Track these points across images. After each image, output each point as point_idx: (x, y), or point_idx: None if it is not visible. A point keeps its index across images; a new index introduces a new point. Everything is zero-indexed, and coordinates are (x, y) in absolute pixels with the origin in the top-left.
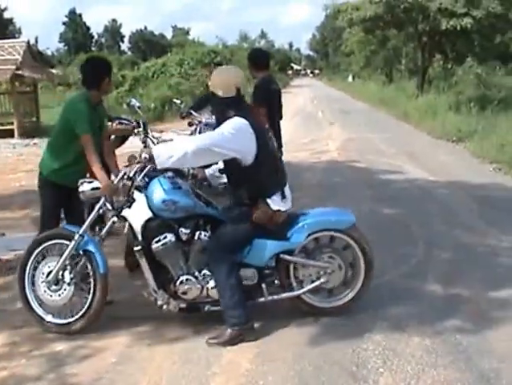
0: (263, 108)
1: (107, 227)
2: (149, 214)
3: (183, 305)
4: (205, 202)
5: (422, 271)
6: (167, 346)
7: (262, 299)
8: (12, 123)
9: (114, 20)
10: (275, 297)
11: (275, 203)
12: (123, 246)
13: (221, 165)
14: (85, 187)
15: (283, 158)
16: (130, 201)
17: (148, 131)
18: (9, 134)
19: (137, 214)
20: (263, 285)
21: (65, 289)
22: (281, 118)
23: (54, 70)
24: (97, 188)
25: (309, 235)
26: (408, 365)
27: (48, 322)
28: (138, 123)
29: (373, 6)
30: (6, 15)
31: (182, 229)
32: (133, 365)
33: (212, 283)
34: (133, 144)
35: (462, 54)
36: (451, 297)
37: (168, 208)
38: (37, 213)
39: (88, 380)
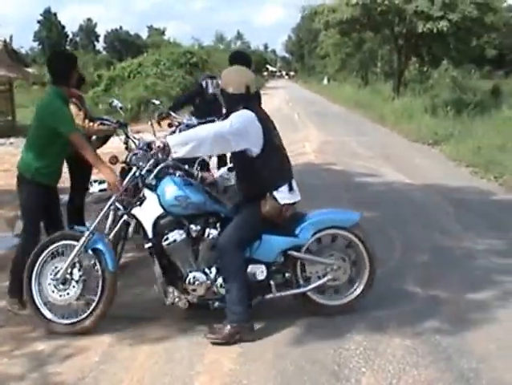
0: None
1: (116, 227)
2: (160, 211)
3: (192, 302)
4: (215, 200)
5: (401, 273)
6: (149, 345)
7: (270, 296)
8: None
9: (89, 19)
10: (283, 293)
11: (283, 195)
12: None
13: (227, 165)
14: (95, 188)
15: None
16: (140, 199)
17: (130, 131)
18: None
19: (148, 212)
20: (271, 282)
21: (73, 287)
22: None
23: (30, 70)
24: (105, 189)
25: (316, 232)
26: (389, 365)
27: (55, 322)
28: (120, 123)
29: (350, 8)
30: None
31: (192, 226)
32: (116, 364)
33: (221, 280)
34: (114, 145)
35: (438, 57)
36: (430, 299)
37: (180, 204)
38: (12, 213)
39: (72, 379)
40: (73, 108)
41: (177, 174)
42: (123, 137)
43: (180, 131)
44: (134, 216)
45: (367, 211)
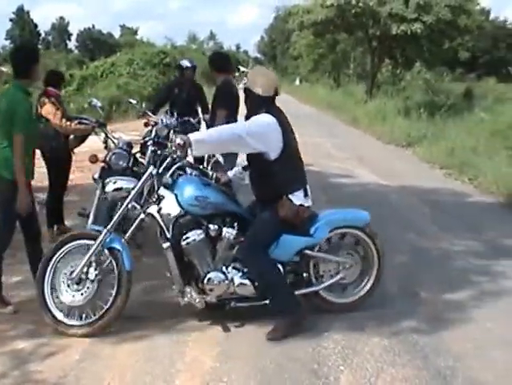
0: (224, 111)
1: (134, 226)
2: (179, 210)
3: (210, 302)
4: (232, 200)
5: None
6: (130, 344)
7: None
8: None
9: (61, 18)
10: (296, 292)
11: (298, 199)
12: None
13: (241, 163)
14: (109, 187)
15: (239, 160)
16: (158, 199)
17: (108, 131)
18: None
19: (166, 211)
20: (287, 281)
21: (88, 288)
22: (236, 120)
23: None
24: (120, 189)
25: (330, 232)
26: (367, 363)
27: (66, 323)
28: (99, 122)
29: (325, 9)
30: None
31: (210, 226)
32: (97, 362)
33: (238, 280)
34: (89, 144)
35: (411, 59)
36: (408, 299)
37: (199, 204)
38: None
39: (53, 377)
40: (50, 107)
41: (193, 173)
42: (102, 136)
43: (156, 130)
44: (151, 216)
45: None
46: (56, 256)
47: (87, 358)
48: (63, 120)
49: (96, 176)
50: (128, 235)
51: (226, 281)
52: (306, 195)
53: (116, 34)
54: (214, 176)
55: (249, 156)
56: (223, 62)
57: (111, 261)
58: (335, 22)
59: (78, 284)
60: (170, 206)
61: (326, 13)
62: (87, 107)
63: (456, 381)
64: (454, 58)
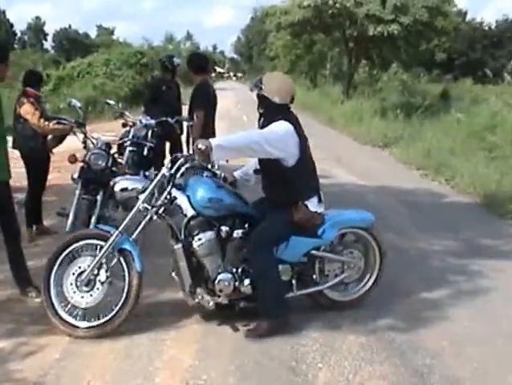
0: (202, 111)
1: (140, 226)
2: (192, 212)
3: (220, 303)
4: (243, 201)
5: None
6: (109, 342)
7: (292, 294)
8: None
9: (38, 18)
10: (303, 292)
11: (313, 205)
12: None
13: (251, 166)
14: (117, 187)
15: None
16: (170, 200)
17: (87, 131)
18: None
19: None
20: (293, 281)
21: (98, 289)
22: (213, 121)
23: None
24: (127, 189)
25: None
26: (345, 361)
27: (76, 325)
28: (78, 123)
29: (302, 10)
30: None
31: (222, 227)
32: (77, 361)
33: (247, 280)
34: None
35: (388, 60)
36: (385, 298)
37: (212, 206)
38: None
39: (34, 376)
40: (29, 107)
41: (205, 174)
42: (81, 137)
43: (134, 131)
44: (163, 217)
45: None
46: (62, 256)
47: (67, 357)
48: (41, 120)
49: (75, 176)
50: (135, 235)
51: (236, 282)
52: (320, 201)
53: (93, 34)
54: (223, 175)
55: (264, 161)
56: (201, 62)
57: (120, 262)
58: (312, 23)
59: (87, 285)
60: (183, 207)
61: (303, 13)
62: (63, 107)
63: (433, 378)
64: (431, 59)
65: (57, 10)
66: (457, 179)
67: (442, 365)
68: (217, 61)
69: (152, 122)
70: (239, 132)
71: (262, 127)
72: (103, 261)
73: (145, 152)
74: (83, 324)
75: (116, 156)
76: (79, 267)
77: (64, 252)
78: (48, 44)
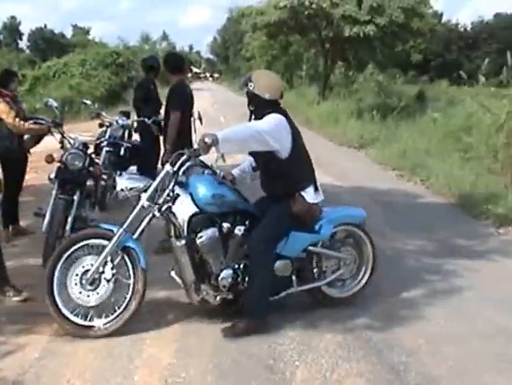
0: (178, 111)
1: (143, 224)
2: (195, 209)
3: (223, 299)
4: (243, 198)
5: None
6: (89, 341)
7: (292, 290)
8: None
9: (13, 17)
10: (303, 287)
11: (310, 196)
12: (37, 245)
13: (247, 164)
14: (119, 185)
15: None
16: (173, 197)
17: (64, 131)
18: None
19: (182, 209)
20: (293, 277)
21: (104, 286)
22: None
23: None
24: (126, 188)
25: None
26: (322, 359)
27: (81, 324)
28: (55, 123)
29: (278, 11)
30: None
31: (224, 224)
32: (56, 359)
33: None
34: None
35: (364, 61)
36: (362, 298)
37: (215, 202)
38: None
39: (13, 375)
40: (4, 106)
41: (206, 172)
42: (58, 136)
43: (110, 131)
44: (166, 214)
45: None
46: (64, 257)
47: (47, 356)
48: (17, 120)
49: (52, 176)
50: (137, 233)
51: (239, 278)
52: (316, 190)
53: (68, 34)
54: (222, 174)
55: (259, 156)
56: (177, 63)
57: (125, 259)
58: (288, 24)
59: (91, 284)
60: (186, 205)
61: (279, 14)
62: (39, 107)
63: (409, 375)
64: (407, 60)
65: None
66: (432, 179)
67: (418, 363)
68: (194, 61)
69: (127, 122)
70: (239, 125)
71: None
72: (109, 259)
73: (122, 152)
74: (91, 323)
75: (93, 156)
76: (83, 267)
77: (66, 252)
78: (23, 44)
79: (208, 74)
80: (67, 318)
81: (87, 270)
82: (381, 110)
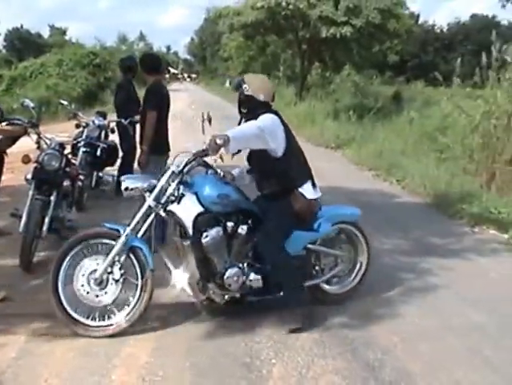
0: (155, 112)
1: (147, 223)
2: (200, 209)
3: (230, 297)
4: (246, 197)
5: None
6: (66, 341)
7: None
8: None
9: None
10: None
11: (308, 192)
12: (14, 246)
13: (243, 167)
14: (124, 185)
15: (169, 161)
16: (178, 196)
17: (41, 131)
18: None
19: (188, 209)
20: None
21: (111, 285)
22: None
23: None
24: (131, 188)
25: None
26: (298, 356)
27: (89, 325)
28: (31, 123)
29: (255, 11)
30: None
31: (228, 223)
32: (34, 359)
33: (252, 274)
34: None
35: (341, 62)
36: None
37: (221, 202)
38: None
39: None
40: None
41: (209, 172)
42: (35, 137)
43: (87, 131)
44: (172, 214)
45: None
46: (69, 256)
47: (24, 356)
48: None
49: (29, 176)
50: (141, 232)
51: (244, 276)
52: (314, 186)
53: (45, 34)
54: (222, 174)
55: (253, 157)
56: (154, 63)
57: (131, 259)
58: (266, 25)
59: (99, 284)
60: (191, 204)
61: (256, 15)
62: (16, 107)
63: (384, 372)
64: (383, 61)
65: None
66: (407, 179)
67: (393, 360)
68: (171, 62)
69: (104, 122)
70: (243, 124)
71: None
72: (116, 259)
73: (98, 153)
74: (98, 323)
75: (70, 156)
76: (89, 267)
77: (71, 252)
78: None
79: (186, 75)
80: (73, 317)
81: (94, 270)
82: (358, 110)
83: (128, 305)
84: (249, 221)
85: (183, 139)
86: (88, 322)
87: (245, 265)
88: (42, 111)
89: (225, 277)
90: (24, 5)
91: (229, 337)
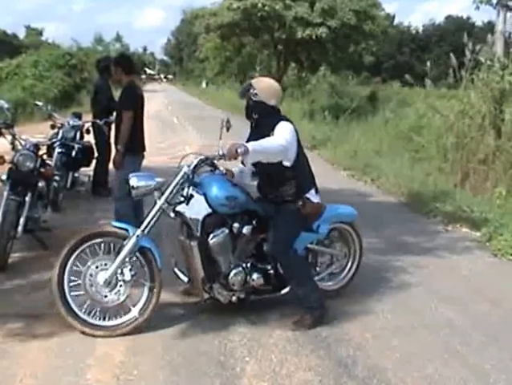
0: (130, 112)
1: (152, 221)
2: (209, 210)
3: (237, 297)
4: (251, 198)
5: None
6: (40, 341)
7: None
8: None
9: None
10: None
11: (313, 196)
12: None
13: (245, 167)
14: (131, 184)
15: (143, 162)
16: (187, 197)
17: (16, 132)
18: None
19: (196, 210)
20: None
21: (121, 286)
22: (142, 122)
23: None
24: (138, 187)
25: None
26: (272, 354)
27: (98, 325)
28: (6, 124)
29: (230, 12)
30: None
31: (234, 224)
32: (8, 359)
33: (255, 274)
34: None
35: (317, 63)
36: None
37: (229, 203)
38: None
39: None
40: None
41: (216, 172)
42: (9, 138)
43: (63, 132)
44: (180, 214)
45: None
46: (74, 255)
47: None
48: None
49: (4, 177)
50: (146, 230)
51: (248, 276)
52: (316, 192)
53: (21, 34)
54: (224, 171)
55: (261, 162)
56: (130, 64)
57: (139, 259)
58: (241, 26)
59: (109, 284)
60: (200, 205)
61: (232, 16)
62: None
63: (356, 368)
64: (359, 62)
65: None
66: (382, 179)
67: (365, 356)
68: (148, 63)
69: (79, 123)
70: (267, 140)
71: (258, 132)
72: (127, 260)
73: (73, 153)
74: (105, 323)
75: (45, 157)
76: (96, 267)
77: (77, 250)
78: None
79: (162, 76)
80: (81, 318)
81: (102, 270)
82: (333, 111)
83: (137, 306)
84: (254, 222)
85: (159, 140)
86: (98, 322)
87: (249, 265)
88: (17, 113)
89: (230, 277)
90: (1, 6)
91: (204, 336)
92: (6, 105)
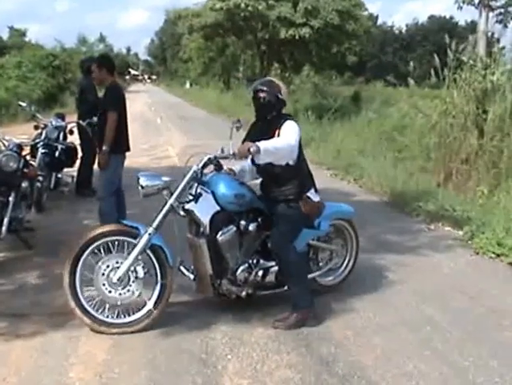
0: (115, 113)
1: (160, 218)
2: (217, 208)
3: (246, 293)
4: (257, 196)
5: None
6: (24, 340)
7: None
8: None
9: None
10: None
11: (313, 195)
12: None
13: (246, 164)
14: (140, 183)
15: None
16: (195, 196)
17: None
18: None
19: (205, 208)
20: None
21: (132, 284)
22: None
23: None
24: (146, 186)
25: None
26: (253, 352)
27: (110, 322)
28: None
29: (214, 13)
30: None
31: (241, 221)
32: None
33: (261, 270)
34: None
35: (300, 63)
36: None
37: (237, 201)
38: None
39: None
40: None
41: (223, 171)
42: None
43: (46, 133)
44: (188, 212)
45: None
46: (86, 253)
47: None
48: None
49: None
50: (158, 228)
51: (254, 272)
52: (316, 190)
53: (4, 35)
54: (227, 169)
55: (264, 164)
56: (113, 64)
57: (150, 257)
58: (225, 26)
59: (122, 282)
60: (208, 203)
61: (215, 16)
62: None
63: (337, 366)
64: (343, 62)
65: None
66: (365, 178)
67: (346, 353)
68: (131, 63)
69: (63, 123)
70: (276, 139)
71: (261, 131)
72: (140, 258)
73: (57, 154)
74: (119, 320)
75: (29, 157)
76: (108, 266)
77: (87, 250)
78: None
79: (146, 77)
80: (92, 315)
81: (114, 268)
82: (317, 111)
83: (148, 303)
84: (259, 219)
85: (142, 141)
86: (109, 319)
87: (255, 261)
88: (1, 113)
89: (238, 273)
90: None
91: (185, 334)
92: None
